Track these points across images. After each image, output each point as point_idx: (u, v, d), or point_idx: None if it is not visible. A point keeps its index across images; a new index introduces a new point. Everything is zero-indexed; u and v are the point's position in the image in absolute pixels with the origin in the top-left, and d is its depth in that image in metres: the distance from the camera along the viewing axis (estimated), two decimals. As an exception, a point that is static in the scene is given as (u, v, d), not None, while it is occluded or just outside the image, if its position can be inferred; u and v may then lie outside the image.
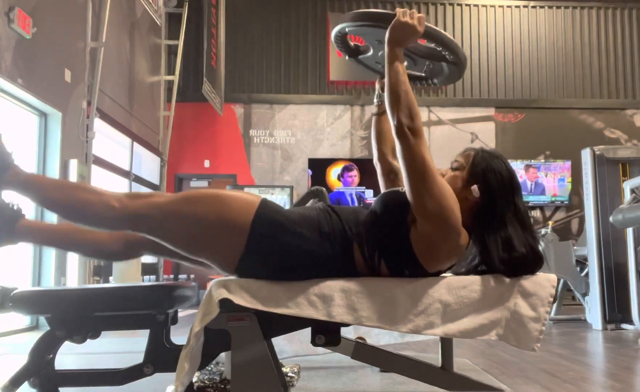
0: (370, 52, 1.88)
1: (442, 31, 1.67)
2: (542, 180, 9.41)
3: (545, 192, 9.40)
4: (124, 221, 1.56)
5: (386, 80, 1.55)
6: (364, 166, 9.16)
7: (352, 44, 1.90)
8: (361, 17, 1.68)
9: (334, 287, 1.54)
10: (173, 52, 8.99)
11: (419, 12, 10.29)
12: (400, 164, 1.53)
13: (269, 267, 1.55)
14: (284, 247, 1.53)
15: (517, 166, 9.22)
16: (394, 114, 1.50)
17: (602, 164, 5.36)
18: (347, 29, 1.73)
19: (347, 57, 1.96)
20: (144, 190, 8.30)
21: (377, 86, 2.00)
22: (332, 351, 1.76)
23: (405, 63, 1.64)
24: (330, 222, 1.58)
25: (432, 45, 1.70)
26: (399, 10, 1.56)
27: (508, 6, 9.84)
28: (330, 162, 9.23)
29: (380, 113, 1.97)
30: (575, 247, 5.92)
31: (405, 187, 1.53)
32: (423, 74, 1.92)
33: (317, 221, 1.58)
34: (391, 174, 1.94)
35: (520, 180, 1.67)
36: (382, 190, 1.91)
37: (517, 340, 1.52)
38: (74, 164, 5.68)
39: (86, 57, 6.19)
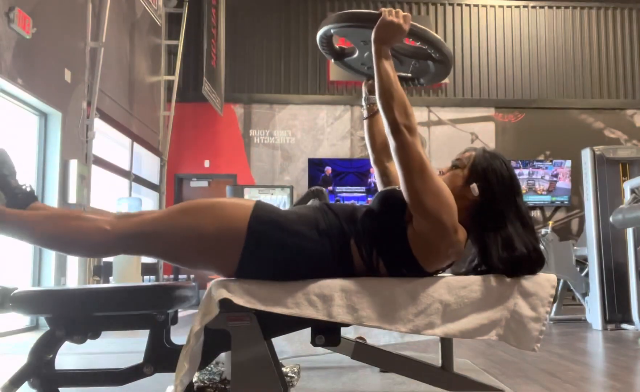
0: (356, 54, 1.85)
1: (428, 29, 1.67)
2: (542, 180, 9.41)
3: (545, 192, 9.40)
4: (118, 242, 1.55)
5: (376, 79, 1.55)
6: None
7: (337, 46, 1.87)
8: (346, 17, 1.66)
9: (333, 287, 1.53)
10: (173, 52, 8.99)
11: (419, 12, 10.11)
12: (395, 162, 1.52)
13: (268, 266, 1.55)
14: (282, 246, 1.53)
15: (517, 166, 9.22)
16: (389, 112, 1.50)
17: (602, 164, 5.36)
18: (332, 31, 1.71)
19: (332, 60, 1.94)
20: (144, 190, 8.30)
21: (364, 89, 1.98)
22: (332, 351, 1.76)
23: None
24: (327, 220, 1.58)
25: (418, 43, 1.69)
26: (384, 10, 1.56)
27: (508, 6, 9.85)
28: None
29: (371, 116, 1.96)
30: (575, 247, 5.92)
31: (402, 185, 1.52)
32: (410, 75, 1.91)
33: (314, 219, 1.58)
34: (384, 177, 1.93)
35: (520, 179, 1.68)
36: (380, 190, 1.90)
37: (517, 340, 1.52)
38: (74, 164, 5.68)
39: (86, 57, 6.19)
